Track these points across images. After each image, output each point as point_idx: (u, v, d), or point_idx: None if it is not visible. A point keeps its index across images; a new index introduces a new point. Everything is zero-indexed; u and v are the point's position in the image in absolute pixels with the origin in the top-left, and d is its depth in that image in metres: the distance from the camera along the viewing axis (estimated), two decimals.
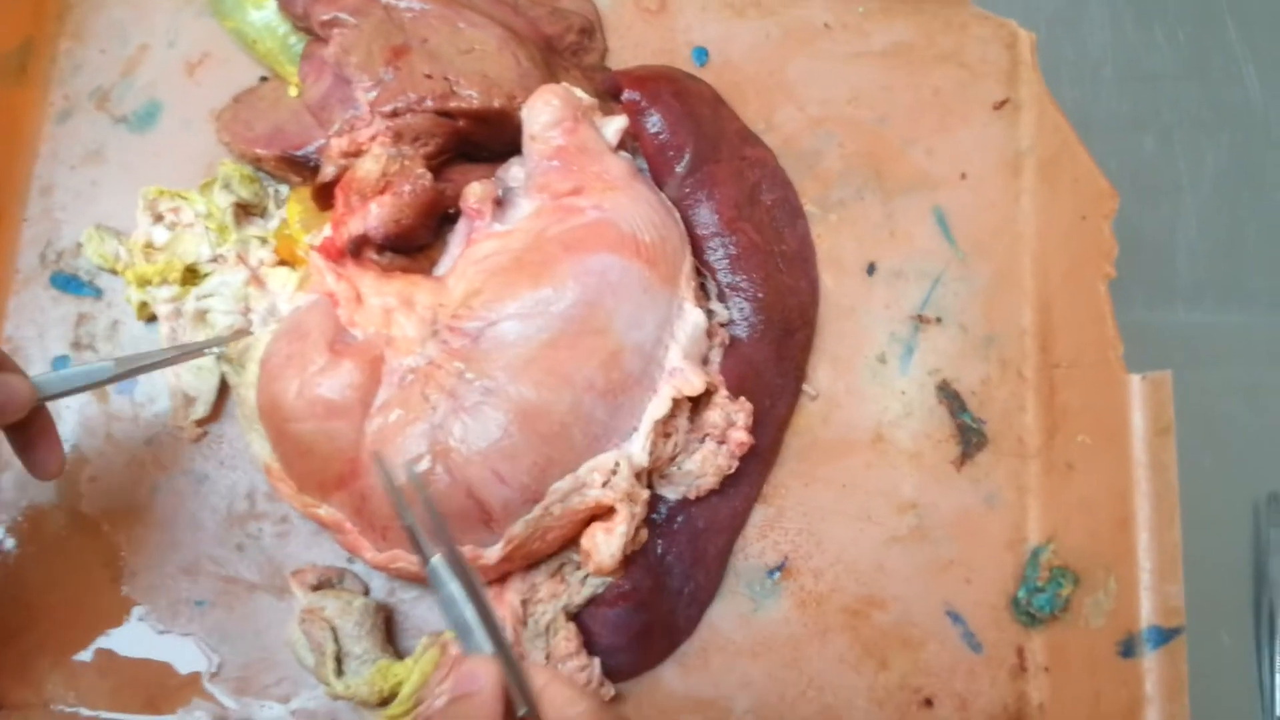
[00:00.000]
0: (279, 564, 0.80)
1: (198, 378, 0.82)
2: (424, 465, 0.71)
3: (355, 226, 0.78)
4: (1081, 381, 0.79)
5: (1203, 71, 0.95)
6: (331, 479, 0.74)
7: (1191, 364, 0.73)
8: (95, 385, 0.72)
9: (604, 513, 0.75)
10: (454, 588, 0.52)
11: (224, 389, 0.83)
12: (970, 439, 0.84)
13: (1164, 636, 0.70)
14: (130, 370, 0.72)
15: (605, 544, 0.74)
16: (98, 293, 0.85)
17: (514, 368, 0.72)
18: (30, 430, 0.68)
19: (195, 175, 0.86)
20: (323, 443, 0.73)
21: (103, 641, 0.80)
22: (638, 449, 0.75)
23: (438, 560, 0.53)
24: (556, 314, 0.73)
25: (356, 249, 0.78)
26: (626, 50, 0.91)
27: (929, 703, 0.80)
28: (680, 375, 0.76)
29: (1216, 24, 0.96)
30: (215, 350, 0.79)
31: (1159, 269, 0.91)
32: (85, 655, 0.79)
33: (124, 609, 0.80)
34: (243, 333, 0.80)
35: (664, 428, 0.76)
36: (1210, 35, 0.96)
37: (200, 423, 0.83)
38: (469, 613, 0.52)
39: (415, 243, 0.81)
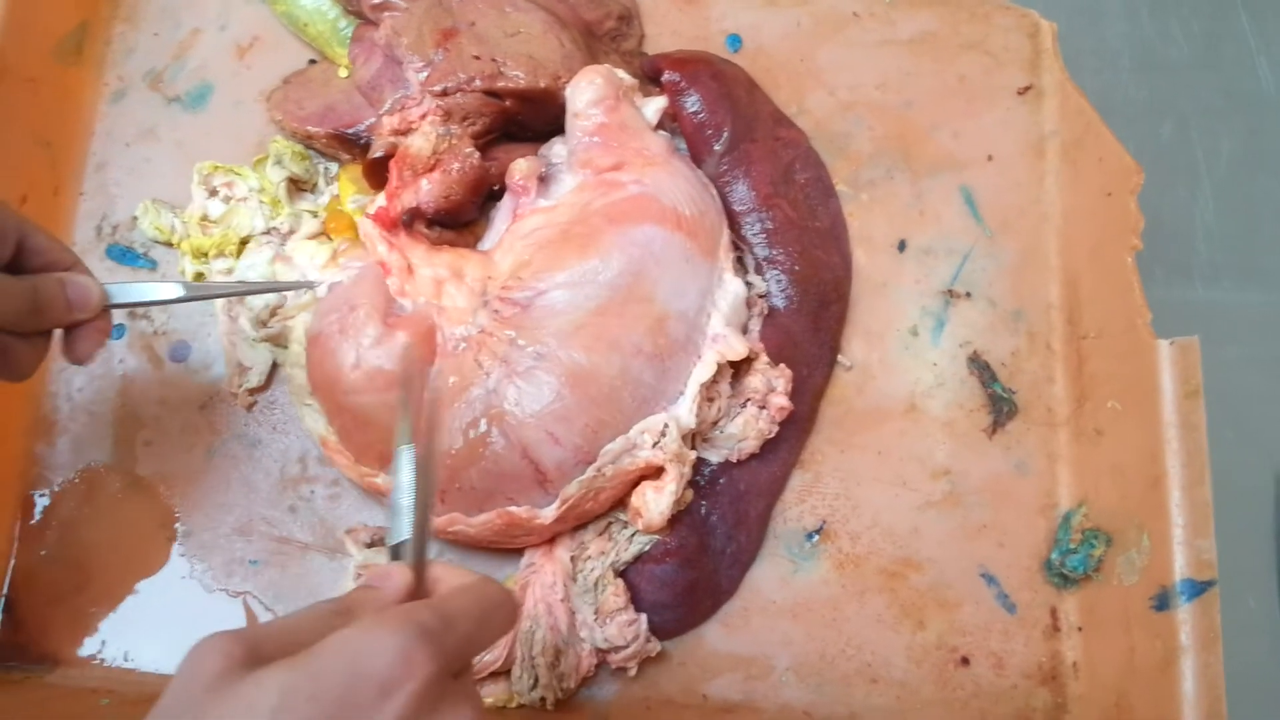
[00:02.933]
0: (331, 525, 0.83)
1: (253, 350, 0.85)
2: (480, 429, 0.73)
3: (408, 200, 0.80)
4: (1110, 350, 0.82)
5: (1216, 61, 0.98)
6: (391, 448, 0.76)
7: (1210, 341, 0.75)
8: (161, 303, 0.80)
9: (653, 473, 0.77)
10: (407, 477, 0.54)
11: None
12: (1001, 408, 0.86)
13: (1197, 589, 0.72)
14: (197, 295, 0.75)
15: (655, 502, 0.76)
16: (152, 264, 0.88)
17: (564, 334, 0.74)
18: (88, 328, 0.70)
19: (245, 154, 0.89)
20: (382, 413, 0.75)
21: (157, 601, 0.81)
22: (685, 411, 0.77)
23: (407, 449, 0.55)
24: (604, 283, 0.76)
25: (409, 221, 0.81)
26: (663, 37, 0.94)
27: (965, 661, 0.82)
28: (723, 341, 0.78)
29: (1229, 16, 0.99)
30: (284, 290, 0.83)
31: (1178, 249, 0.94)
32: (139, 614, 0.81)
33: (178, 569, 0.82)
34: (308, 283, 0.81)
35: (708, 392, 0.79)
36: (1223, 26, 0.99)
37: (253, 391, 0.85)
38: (406, 500, 0.53)
39: (463, 218, 0.84)
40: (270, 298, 0.83)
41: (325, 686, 0.43)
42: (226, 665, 0.44)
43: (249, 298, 0.83)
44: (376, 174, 0.84)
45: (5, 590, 0.82)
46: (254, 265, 0.85)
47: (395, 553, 0.52)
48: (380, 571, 0.52)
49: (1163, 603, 0.74)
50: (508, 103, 0.84)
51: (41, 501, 0.83)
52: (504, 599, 0.54)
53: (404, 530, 0.52)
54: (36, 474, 0.84)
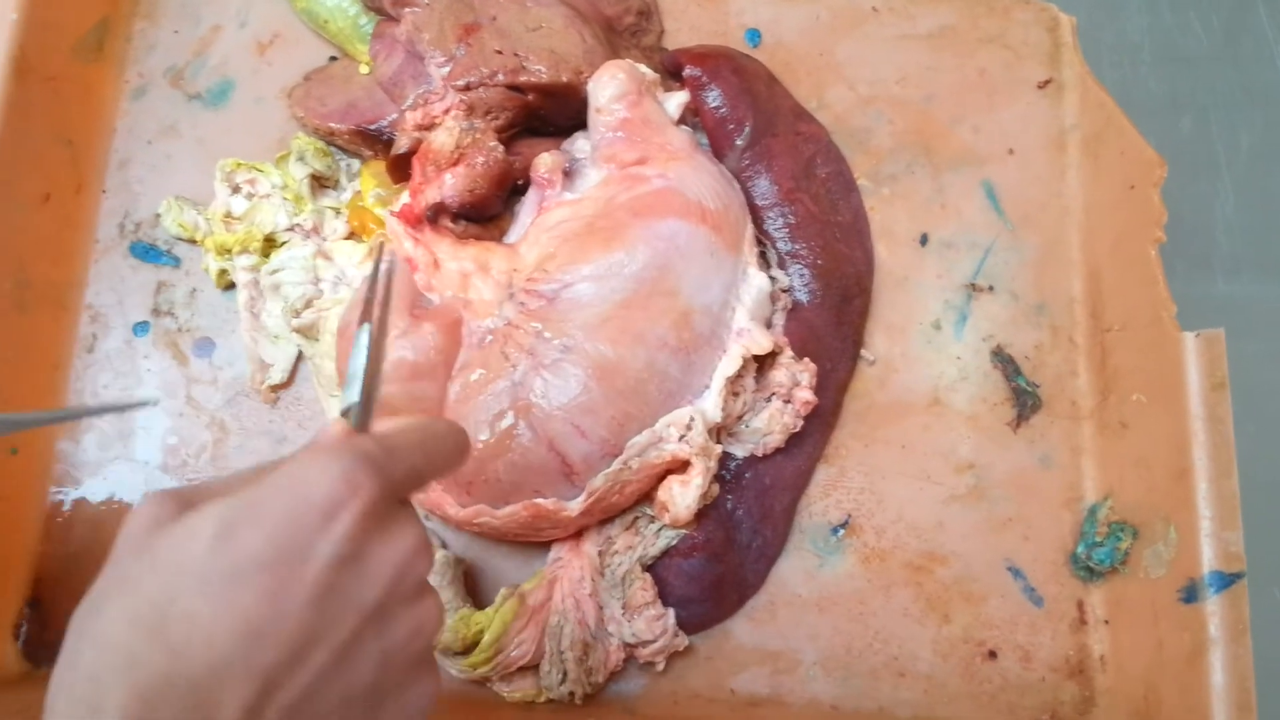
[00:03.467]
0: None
1: (274, 346, 0.85)
2: (507, 421, 0.73)
3: (432, 195, 0.80)
4: (1134, 343, 0.82)
5: (1236, 54, 0.98)
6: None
7: (1231, 334, 0.75)
8: None
9: (679, 467, 0.77)
10: (363, 350, 0.54)
11: (301, 355, 0.85)
12: (1025, 402, 0.86)
13: (1226, 581, 0.72)
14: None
15: (681, 496, 0.76)
16: (176, 261, 0.88)
17: (590, 327, 0.74)
18: None
19: (266, 150, 0.89)
20: (407, 404, 0.75)
21: None
22: (710, 405, 0.77)
23: (366, 327, 0.56)
24: (629, 276, 0.76)
25: (434, 216, 0.81)
26: (682, 32, 0.94)
27: (993, 655, 0.82)
28: (748, 335, 0.78)
29: (1249, 8, 0.99)
30: (112, 412, 0.83)
31: (1198, 243, 0.94)
32: None
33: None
34: (139, 404, 0.81)
35: (733, 386, 0.79)
36: (1242, 19, 0.99)
37: (275, 388, 0.85)
38: (358, 369, 0.54)
39: (487, 212, 0.84)
40: (307, 289, 0.83)
41: (266, 512, 0.43)
42: (166, 511, 0.45)
43: (286, 289, 0.83)
44: (400, 170, 0.84)
45: (33, 588, 0.82)
46: (294, 260, 0.85)
47: (345, 415, 0.53)
48: (325, 429, 0.52)
49: (1191, 595, 0.74)
50: (530, 97, 0.84)
51: (67, 499, 0.83)
52: (449, 429, 0.53)
53: (354, 396, 0.53)
54: (63, 471, 0.84)
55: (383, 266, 0.62)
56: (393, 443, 0.49)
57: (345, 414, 0.52)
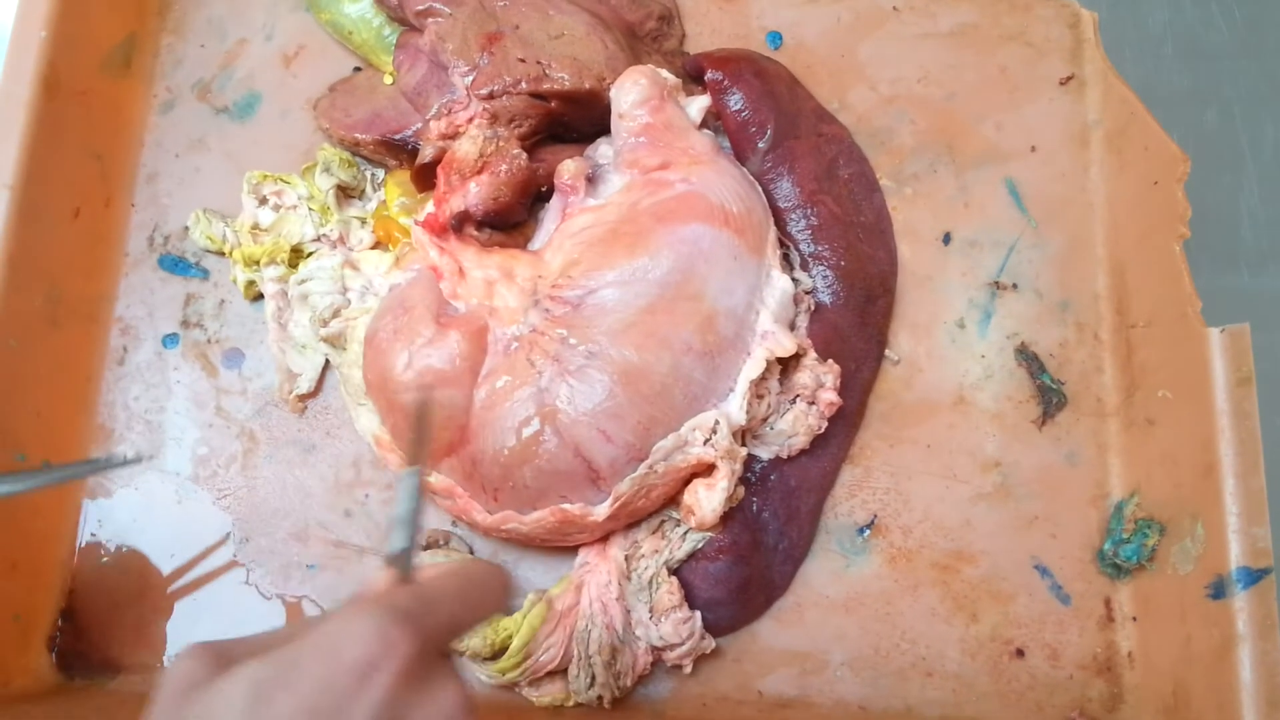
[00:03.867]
0: (386, 528, 0.83)
1: (302, 356, 0.86)
2: (533, 427, 0.74)
3: (456, 204, 0.81)
4: (1159, 339, 0.82)
5: (1259, 48, 0.98)
6: (443, 446, 0.77)
7: (1257, 328, 0.75)
8: None
9: (704, 470, 0.77)
10: (407, 495, 0.55)
11: (328, 364, 0.86)
12: (1050, 399, 0.86)
13: (1254, 577, 0.72)
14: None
15: (707, 499, 0.76)
16: (204, 273, 0.89)
17: (615, 332, 0.75)
18: None
19: (293, 162, 0.90)
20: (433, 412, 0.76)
21: (215, 607, 0.83)
22: (735, 408, 0.77)
23: (411, 472, 0.56)
24: (653, 281, 0.76)
25: (458, 225, 0.81)
26: (703, 36, 0.95)
27: (1020, 653, 0.82)
28: (772, 338, 0.79)
29: (1271, 2, 0.98)
30: (101, 469, 0.83)
31: (1223, 237, 0.94)
32: (198, 621, 0.82)
33: (236, 575, 0.83)
34: (132, 460, 0.82)
35: (758, 388, 0.79)
36: (1265, 12, 0.98)
37: (303, 397, 0.86)
38: (404, 514, 0.54)
39: (512, 219, 0.84)
40: (335, 298, 0.84)
41: (300, 674, 0.43)
42: (203, 670, 0.44)
43: (314, 299, 0.84)
44: (424, 179, 0.85)
45: (66, 600, 0.83)
46: (322, 270, 0.86)
47: (390, 563, 0.53)
48: (367, 580, 0.52)
49: (1219, 591, 0.74)
50: (553, 104, 0.85)
51: (100, 510, 0.85)
52: (488, 574, 0.53)
53: (400, 542, 0.53)
54: (95, 483, 0.85)
55: (422, 408, 0.62)
56: (430, 594, 0.48)
57: (390, 561, 0.52)
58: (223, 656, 0.45)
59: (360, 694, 0.43)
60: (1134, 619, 0.82)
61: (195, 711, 0.43)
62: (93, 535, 0.84)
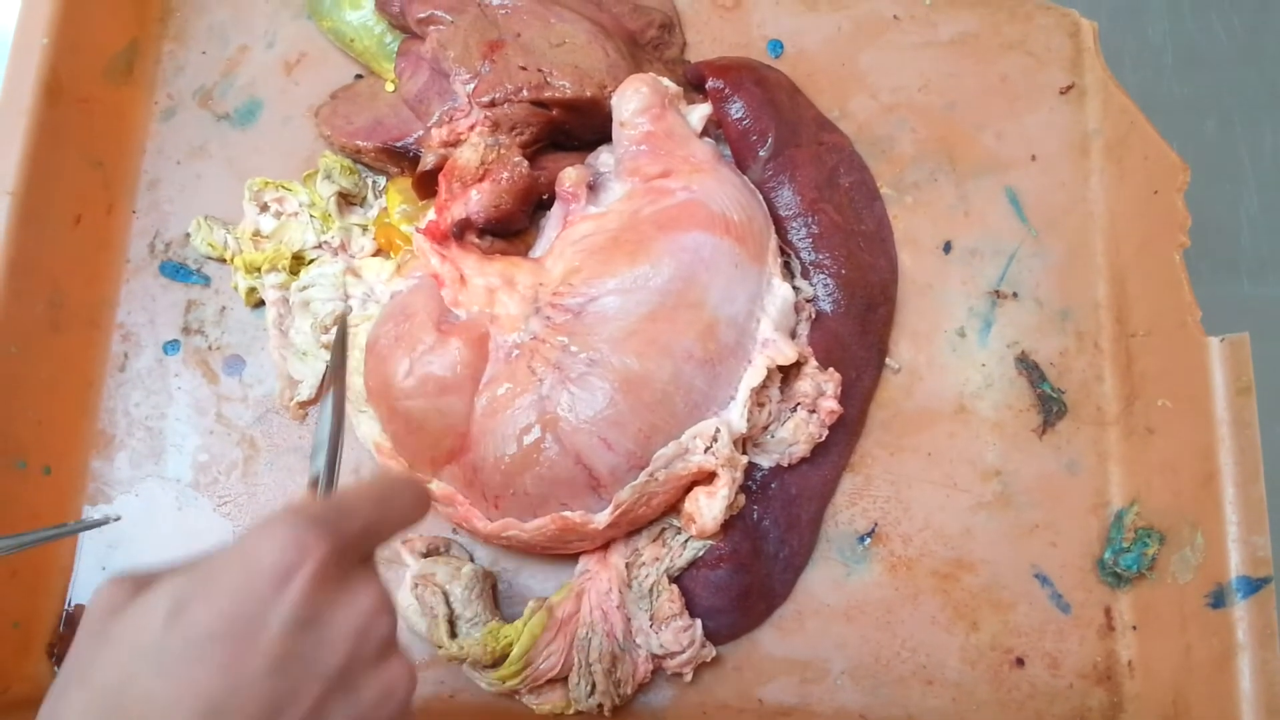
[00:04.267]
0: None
1: (303, 363, 0.86)
2: (534, 435, 0.74)
3: (458, 211, 0.81)
4: (1159, 348, 0.82)
5: (1258, 57, 0.98)
6: (443, 454, 0.77)
7: (1257, 337, 0.76)
8: None
9: (705, 478, 0.78)
10: (327, 417, 0.56)
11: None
12: (1051, 408, 0.86)
13: (1253, 586, 0.72)
14: None
15: (708, 507, 0.76)
16: (206, 280, 0.89)
17: (616, 340, 0.75)
18: None
19: (295, 169, 0.90)
20: (434, 419, 0.76)
21: None
22: (736, 416, 0.78)
23: (328, 398, 0.57)
24: (654, 289, 0.76)
25: (460, 232, 0.81)
26: (704, 44, 0.95)
27: (1020, 662, 0.82)
28: (773, 346, 0.79)
29: (1271, 11, 0.99)
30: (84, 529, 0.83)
31: (1223, 245, 0.94)
32: None
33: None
34: (101, 521, 0.81)
35: (758, 396, 0.79)
36: (1265, 21, 0.99)
37: (304, 404, 0.86)
38: (324, 437, 0.56)
39: (513, 227, 0.84)
40: (337, 305, 0.84)
41: (217, 585, 0.43)
42: (123, 594, 0.44)
43: (315, 305, 0.84)
44: (426, 186, 0.85)
45: (68, 605, 0.83)
46: (324, 276, 0.86)
47: (312, 484, 0.53)
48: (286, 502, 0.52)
49: (1219, 600, 0.74)
50: (555, 112, 0.85)
51: (100, 516, 0.84)
52: (408, 483, 0.54)
53: (319, 463, 0.54)
54: (95, 489, 0.85)
55: (337, 336, 0.64)
56: (346, 502, 0.49)
57: (313, 484, 0.53)
58: (143, 582, 0.45)
59: (277, 598, 0.43)
60: (1134, 628, 0.82)
61: (116, 631, 0.43)
62: (92, 542, 0.84)
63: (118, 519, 0.82)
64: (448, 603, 0.78)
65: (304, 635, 0.44)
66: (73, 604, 0.83)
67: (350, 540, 0.47)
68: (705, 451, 0.76)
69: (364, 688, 0.47)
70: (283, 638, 0.43)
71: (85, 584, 0.83)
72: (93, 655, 0.43)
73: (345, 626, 0.46)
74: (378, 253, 0.88)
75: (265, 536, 0.45)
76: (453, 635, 0.77)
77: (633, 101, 0.82)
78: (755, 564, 0.81)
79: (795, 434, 0.81)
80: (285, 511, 0.46)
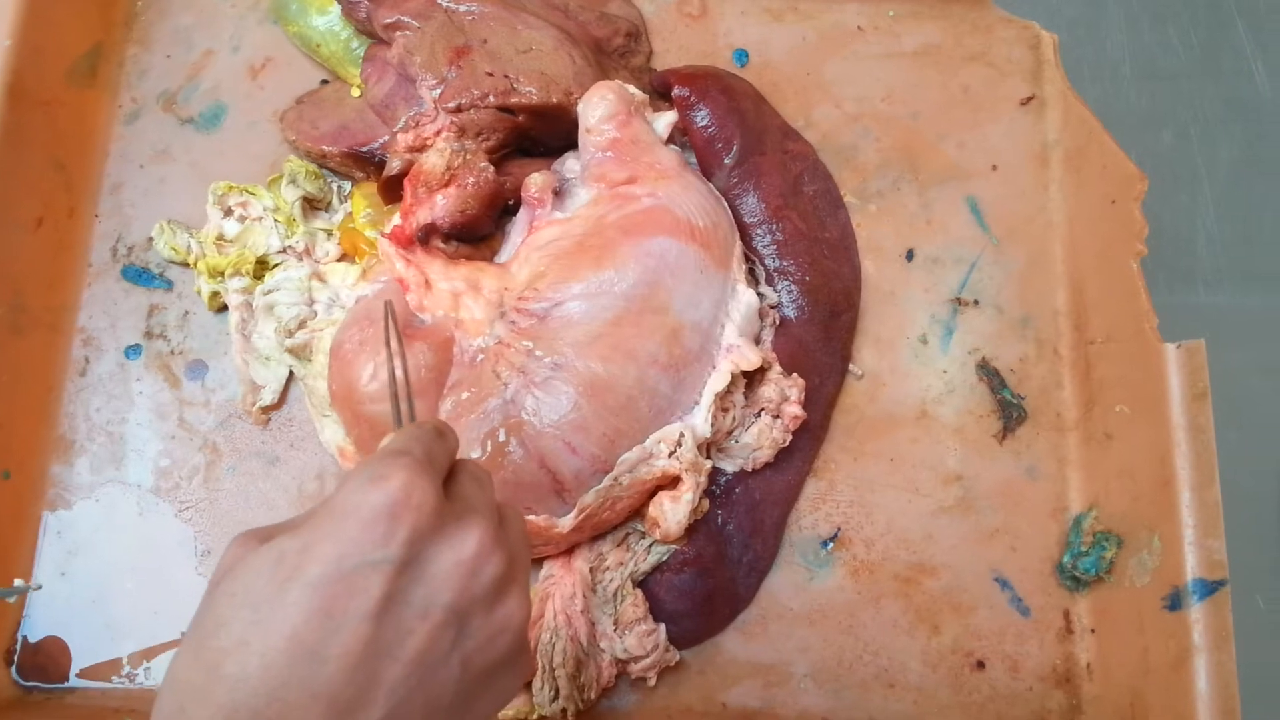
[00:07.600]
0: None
1: (266, 368, 0.85)
2: (498, 439, 0.74)
3: (423, 216, 0.81)
4: (1117, 355, 0.83)
5: (1215, 70, 1.00)
6: None
7: (1213, 344, 0.77)
8: None
9: (669, 482, 0.78)
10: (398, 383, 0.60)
11: (292, 376, 0.86)
12: (1011, 414, 0.87)
13: (1209, 588, 0.73)
14: None
15: (672, 511, 0.77)
16: (168, 284, 0.88)
17: (581, 344, 0.75)
18: None
19: (259, 173, 0.90)
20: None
21: (176, 620, 0.82)
22: (700, 421, 0.78)
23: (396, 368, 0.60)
24: (619, 293, 0.77)
25: (425, 237, 0.81)
26: (670, 53, 0.95)
27: (981, 665, 0.82)
28: (738, 351, 0.79)
29: (1227, 25, 1.01)
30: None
31: (1180, 254, 0.95)
32: (158, 634, 0.82)
33: (198, 588, 0.81)
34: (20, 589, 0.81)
35: (723, 402, 0.79)
36: (1221, 35, 1.00)
37: (267, 409, 0.86)
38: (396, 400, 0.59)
39: (479, 232, 0.84)
40: (301, 309, 0.84)
41: (320, 534, 0.45)
42: (243, 548, 0.46)
43: (279, 310, 0.84)
44: (391, 191, 0.85)
45: (26, 611, 0.82)
46: (289, 280, 0.86)
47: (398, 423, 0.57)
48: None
49: (1175, 603, 0.75)
50: (521, 118, 0.85)
51: (60, 522, 0.84)
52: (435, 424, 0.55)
53: (398, 422, 0.57)
54: (55, 495, 0.84)
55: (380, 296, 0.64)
56: (431, 441, 0.51)
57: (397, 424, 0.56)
58: (265, 535, 0.47)
59: (379, 543, 0.45)
60: (1092, 631, 0.83)
61: (226, 584, 0.45)
62: (52, 547, 0.83)
63: (38, 588, 0.82)
64: None
65: (405, 577, 0.45)
66: (29, 610, 0.82)
67: (441, 478, 0.49)
68: (669, 456, 0.76)
69: (476, 628, 0.48)
70: (385, 581, 0.44)
71: (44, 591, 0.82)
72: (203, 609, 0.45)
73: (451, 566, 0.47)
74: (343, 258, 0.88)
75: (368, 480, 0.46)
76: None
77: (599, 108, 0.83)
78: (719, 568, 0.81)
79: (759, 439, 0.82)
80: (386, 454, 0.48)
